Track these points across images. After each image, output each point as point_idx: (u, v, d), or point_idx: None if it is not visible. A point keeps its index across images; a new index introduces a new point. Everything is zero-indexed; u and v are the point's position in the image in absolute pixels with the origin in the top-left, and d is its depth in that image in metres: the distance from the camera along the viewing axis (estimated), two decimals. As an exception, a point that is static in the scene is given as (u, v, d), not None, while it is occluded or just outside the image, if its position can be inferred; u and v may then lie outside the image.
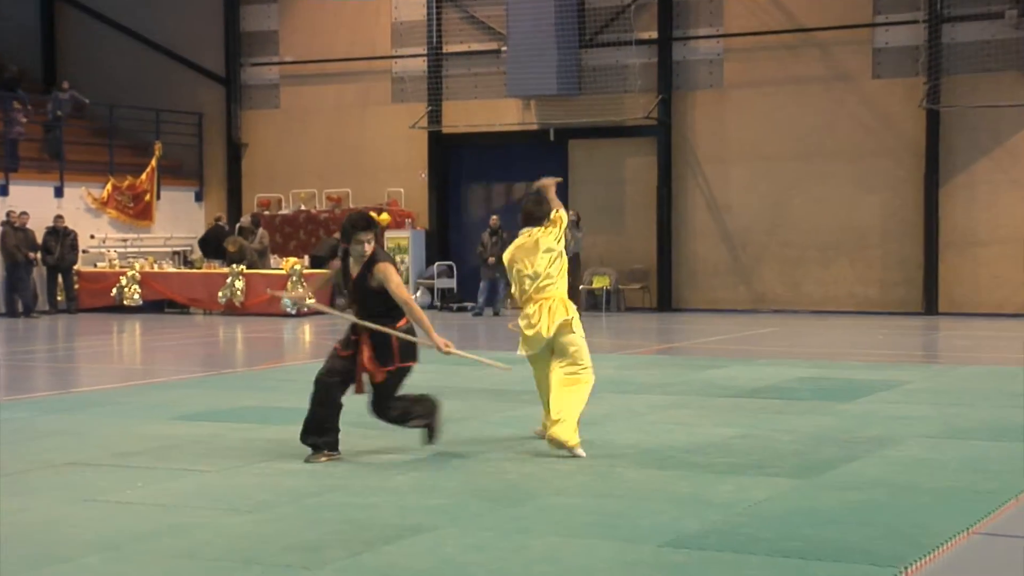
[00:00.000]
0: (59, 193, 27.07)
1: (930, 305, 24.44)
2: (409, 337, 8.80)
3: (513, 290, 9.39)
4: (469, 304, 26.41)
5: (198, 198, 30.31)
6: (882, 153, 24.89)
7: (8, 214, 25.29)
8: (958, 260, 24.46)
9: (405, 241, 27.59)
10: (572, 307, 9.32)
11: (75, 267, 26.34)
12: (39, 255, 25.54)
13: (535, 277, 9.18)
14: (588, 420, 10.74)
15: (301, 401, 11.86)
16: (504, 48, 27.04)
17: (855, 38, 25.09)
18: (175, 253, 28.68)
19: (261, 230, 27.53)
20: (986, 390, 12.63)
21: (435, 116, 28.09)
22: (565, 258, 9.34)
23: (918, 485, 8.00)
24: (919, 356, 18.14)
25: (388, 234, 27.68)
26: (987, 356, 16.94)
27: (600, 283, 26.33)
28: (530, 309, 9.22)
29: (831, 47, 25.27)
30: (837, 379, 13.69)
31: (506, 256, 9.43)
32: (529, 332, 9.21)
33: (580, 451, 9.00)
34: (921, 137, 24.49)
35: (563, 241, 9.30)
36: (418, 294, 27.21)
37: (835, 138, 25.21)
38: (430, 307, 26.86)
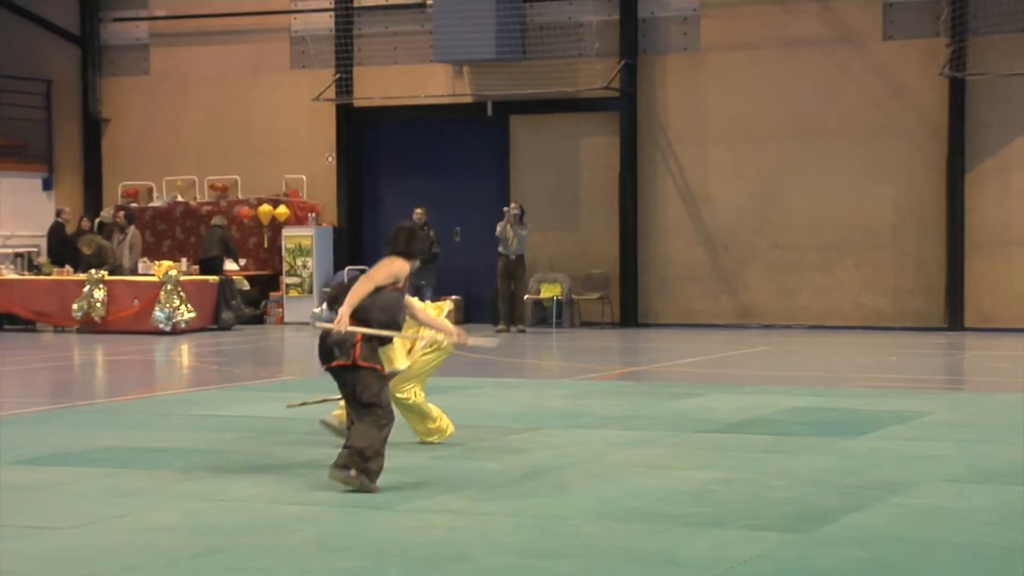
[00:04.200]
0: None
1: (954, 319, 24.66)
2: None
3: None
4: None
5: (47, 186, 30.05)
6: (895, 132, 25.10)
7: None
8: (988, 264, 24.70)
9: (308, 240, 27.51)
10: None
11: None
12: None
13: None
14: (533, 463, 10.77)
15: (176, 439, 11.79)
16: (430, 2, 27.04)
17: (862, -9, 25.33)
18: (17, 256, 28.43)
19: (133, 228, 27.34)
20: (1021, 423, 12.76)
21: (345, 85, 28.03)
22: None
23: (938, 540, 8.08)
24: (940, 381, 18.30)
25: (287, 232, 27.62)
26: (1022, 382, 17.11)
27: (550, 292, 26.37)
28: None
29: (833, 2, 25.47)
30: (840, 410, 13.79)
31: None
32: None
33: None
34: (943, 112, 24.72)
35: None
36: (323, 307, 27.08)
37: (838, 114, 25.39)
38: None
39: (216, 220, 27.37)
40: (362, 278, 9.87)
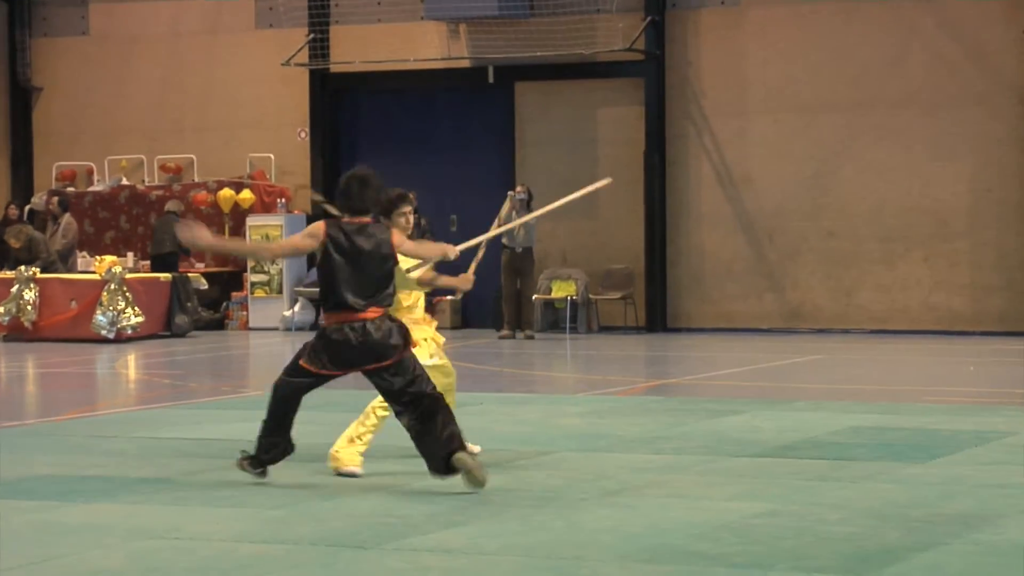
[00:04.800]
0: None
1: (1041, 321, 24.70)
2: None
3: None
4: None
5: (-32, 168, 30.12)
6: (970, 100, 25.09)
7: None
8: (1081, 256, 24.73)
9: (276, 231, 27.50)
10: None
11: None
12: None
13: None
14: (544, 493, 10.73)
15: (122, 467, 11.76)
16: (420, -52, 27.07)
17: (931, -66, 25.35)
18: (-67, 250, 28.49)
19: (67, 216, 27.35)
20: (1122, 444, 12.75)
21: (320, 47, 28.03)
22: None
23: (1025, 584, 8.06)
24: (1025, 396, 18.30)
25: (252, 221, 27.61)
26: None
27: (563, 291, 26.37)
28: None
29: (896, -53, 25.50)
30: (907, 430, 13.77)
31: None
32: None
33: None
34: (1027, 77, 24.77)
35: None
36: (296, 308, 27.13)
37: (903, 79, 25.38)
38: (314, 326, 26.75)
39: (169, 207, 27.35)
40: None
